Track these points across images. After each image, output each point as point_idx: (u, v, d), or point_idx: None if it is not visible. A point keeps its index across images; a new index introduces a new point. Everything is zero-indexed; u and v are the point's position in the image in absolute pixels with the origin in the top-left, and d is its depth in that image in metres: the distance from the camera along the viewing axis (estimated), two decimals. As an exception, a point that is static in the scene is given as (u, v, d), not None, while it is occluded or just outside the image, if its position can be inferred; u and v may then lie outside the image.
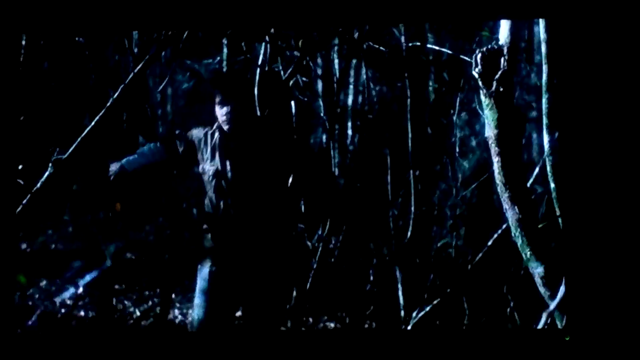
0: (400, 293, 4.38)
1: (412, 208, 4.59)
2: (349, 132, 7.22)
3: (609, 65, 2.81)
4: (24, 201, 3.16)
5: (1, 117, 3.12)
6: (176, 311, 5.03)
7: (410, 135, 4.77)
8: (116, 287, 5.11)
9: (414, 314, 4.21)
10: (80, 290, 5.25)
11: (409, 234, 4.61)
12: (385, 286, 4.90)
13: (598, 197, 2.78)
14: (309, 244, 4.41)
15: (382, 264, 4.97)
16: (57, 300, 4.95)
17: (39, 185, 3.20)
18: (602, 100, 2.81)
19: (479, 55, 2.78)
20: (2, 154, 3.12)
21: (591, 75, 2.82)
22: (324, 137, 6.60)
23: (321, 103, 5.90)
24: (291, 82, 5.28)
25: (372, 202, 5.28)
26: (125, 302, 5.24)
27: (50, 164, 3.21)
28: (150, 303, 5.27)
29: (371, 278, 5.14)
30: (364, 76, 6.16)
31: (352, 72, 7.56)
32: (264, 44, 5.01)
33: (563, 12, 2.83)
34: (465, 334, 3.84)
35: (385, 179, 4.93)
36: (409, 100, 4.85)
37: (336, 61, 6.25)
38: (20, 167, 4.23)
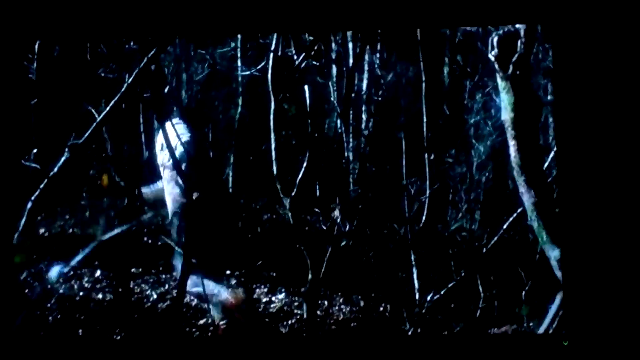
0: (415, 276, 4.39)
1: (427, 192, 4.59)
2: (363, 116, 7.21)
3: (609, 65, 2.79)
4: (41, 185, 3.19)
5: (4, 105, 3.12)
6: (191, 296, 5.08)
7: (425, 119, 4.75)
8: (133, 270, 5.16)
9: (429, 297, 4.22)
10: (98, 272, 5.31)
11: (423, 217, 4.61)
12: (400, 269, 4.91)
13: (598, 199, 2.78)
14: (323, 227, 4.43)
15: (397, 248, 4.98)
16: (53, 281, 5.01)
17: (55, 169, 3.21)
18: (603, 100, 2.80)
19: (496, 38, 2.77)
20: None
21: (593, 75, 2.81)
22: (338, 121, 6.59)
23: (335, 87, 5.89)
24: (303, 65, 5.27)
25: (387, 185, 5.28)
26: (143, 285, 5.29)
27: (66, 149, 3.22)
28: (166, 286, 5.32)
29: (386, 261, 5.15)
30: (378, 60, 6.14)
31: (366, 56, 7.53)
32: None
33: (562, 17, 2.82)
34: (463, 337, 3.85)
35: (400, 163, 4.93)
36: (423, 83, 4.82)
37: (350, 45, 6.24)
38: (35, 151, 4.27)
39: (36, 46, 7.50)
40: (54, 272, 4.90)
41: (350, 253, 5.12)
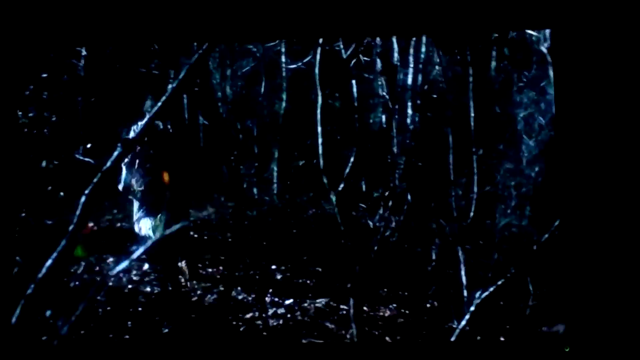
0: (462, 273, 4.34)
1: (475, 187, 4.53)
2: (409, 110, 7.15)
3: (610, 70, 2.74)
4: (95, 180, 3.24)
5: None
6: (239, 289, 5.12)
7: (472, 113, 4.68)
8: (180, 264, 5.22)
9: (477, 295, 4.16)
10: (146, 266, 5.39)
11: (471, 213, 4.55)
12: (447, 266, 4.86)
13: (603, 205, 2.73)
14: (370, 223, 4.41)
15: (444, 244, 4.93)
16: (115, 275, 5.09)
17: (109, 164, 3.26)
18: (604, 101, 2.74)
19: (548, 31, 2.71)
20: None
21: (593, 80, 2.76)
22: (384, 116, 6.55)
23: (381, 82, 5.85)
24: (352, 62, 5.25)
25: (434, 181, 5.23)
26: (190, 278, 5.35)
27: (119, 144, 3.27)
28: (213, 281, 5.37)
29: (433, 258, 5.10)
30: (424, 54, 6.07)
31: (411, 50, 7.47)
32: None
33: (567, 22, 2.77)
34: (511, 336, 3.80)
35: (447, 158, 4.87)
36: (471, 77, 4.76)
37: (395, 39, 6.18)
38: (89, 145, 4.33)
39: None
40: (117, 266, 4.99)
41: (397, 249, 5.08)
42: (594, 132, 2.73)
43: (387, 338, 3.97)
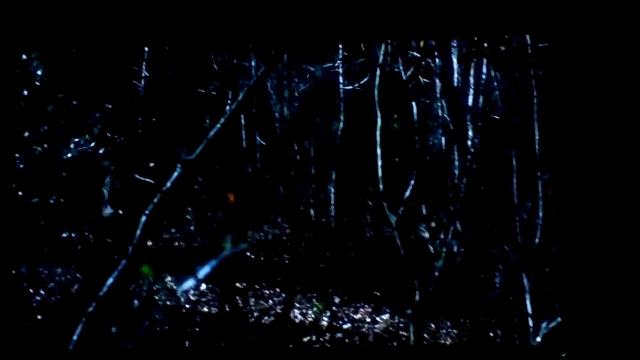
0: (528, 302, 4.17)
1: (541, 213, 4.37)
2: (470, 133, 7.01)
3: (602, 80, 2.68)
4: (155, 200, 3.25)
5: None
6: (296, 311, 5.07)
7: (537, 135, 4.54)
8: (237, 285, 5.21)
9: (544, 324, 4.00)
10: (203, 286, 5.40)
11: (537, 239, 4.38)
12: (511, 294, 4.70)
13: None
14: (430, 247, 4.30)
15: (509, 271, 4.78)
16: (180, 294, 5.11)
17: (168, 184, 3.27)
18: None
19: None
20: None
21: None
22: (443, 139, 6.43)
23: (441, 104, 5.76)
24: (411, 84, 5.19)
25: (497, 205, 5.09)
26: (248, 299, 5.33)
27: (178, 165, 3.28)
28: (270, 302, 5.33)
29: (497, 285, 4.95)
30: (485, 75, 5.96)
31: (472, 72, 7.35)
32: (383, 45, 4.94)
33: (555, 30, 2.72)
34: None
35: (511, 182, 4.73)
36: (535, 98, 4.62)
37: (454, 59, 6.09)
38: (151, 164, 4.37)
39: (144, 64, 7.83)
40: (185, 285, 5.05)
41: (459, 275, 4.95)
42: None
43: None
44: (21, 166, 3.45)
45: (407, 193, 4.20)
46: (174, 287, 5.49)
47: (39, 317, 4.44)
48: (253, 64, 7.14)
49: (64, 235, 4.60)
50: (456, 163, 5.46)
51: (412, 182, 4.25)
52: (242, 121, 8.33)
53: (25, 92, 3.42)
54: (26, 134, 3.34)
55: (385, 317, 5.01)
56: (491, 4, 2.93)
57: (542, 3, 2.87)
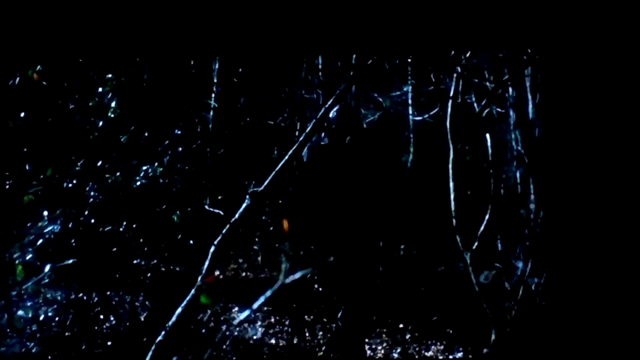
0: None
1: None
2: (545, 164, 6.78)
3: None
4: (224, 231, 3.23)
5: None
6: (365, 346, 4.94)
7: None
8: (306, 317, 5.13)
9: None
10: (272, 320, 5.35)
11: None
12: (599, 334, 4.44)
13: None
14: (507, 284, 4.12)
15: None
16: (243, 324, 5.07)
17: (237, 215, 3.25)
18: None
19: None
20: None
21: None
22: (518, 172, 6.23)
23: (515, 135, 5.60)
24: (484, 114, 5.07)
25: (578, 239, 4.85)
26: (316, 332, 5.24)
27: (247, 196, 3.26)
28: (338, 335, 5.23)
29: (580, 324, 4.68)
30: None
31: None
32: (454, 75, 4.84)
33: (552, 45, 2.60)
34: None
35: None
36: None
37: (528, 88, 5.92)
38: (220, 197, 4.36)
39: (213, 96, 7.96)
40: (242, 315, 5.03)
41: (537, 313, 4.73)
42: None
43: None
44: (92, 194, 3.50)
45: (482, 228, 4.05)
46: (238, 317, 5.46)
47: (108, 343, 4.48)
48: (321, 95, 7.15)
49: (134, 262, 4.65)
50: (532, 197, 5.26)
51: (487, 216, 4.10)
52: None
53: (100, 123, 3.48)
54: (99, 163, 3.38)
55: (459, 355, 4.82)
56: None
57: None
